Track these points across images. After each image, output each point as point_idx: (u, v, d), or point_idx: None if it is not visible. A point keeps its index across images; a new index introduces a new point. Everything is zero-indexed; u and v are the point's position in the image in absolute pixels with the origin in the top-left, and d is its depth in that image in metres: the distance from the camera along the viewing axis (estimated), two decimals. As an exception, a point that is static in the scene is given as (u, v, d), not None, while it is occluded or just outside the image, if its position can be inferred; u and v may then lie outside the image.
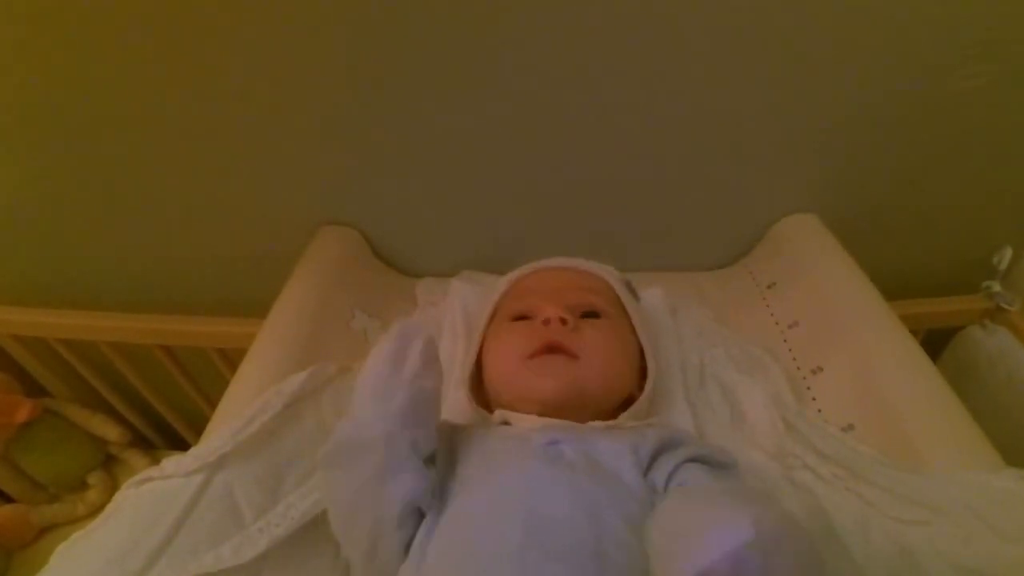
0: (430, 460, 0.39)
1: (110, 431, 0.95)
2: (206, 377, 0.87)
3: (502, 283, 0.56)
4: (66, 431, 0.95)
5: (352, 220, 0.75)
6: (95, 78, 0.63)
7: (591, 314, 0.48)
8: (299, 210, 0.75)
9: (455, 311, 0.62)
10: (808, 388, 0.55)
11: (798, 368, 0.57)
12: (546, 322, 0.45)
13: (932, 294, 0.75)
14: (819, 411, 0.53)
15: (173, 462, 0.43)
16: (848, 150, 0.66)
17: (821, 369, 0.55)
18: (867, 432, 0.49)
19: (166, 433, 1.03)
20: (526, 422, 0.43)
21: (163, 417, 0.99)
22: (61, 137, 0.70)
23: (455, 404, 0.53)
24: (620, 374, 0.47)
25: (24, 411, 0.88)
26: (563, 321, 0.45)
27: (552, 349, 0.44)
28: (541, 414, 0.43)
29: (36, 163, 0.73)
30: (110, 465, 0.98)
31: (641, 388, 0.49)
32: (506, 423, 0.45)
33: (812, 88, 0.61)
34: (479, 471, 0.39)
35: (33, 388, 0.95)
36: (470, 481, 0.38)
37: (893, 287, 0.59)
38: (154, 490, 0.42)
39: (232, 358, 0.79)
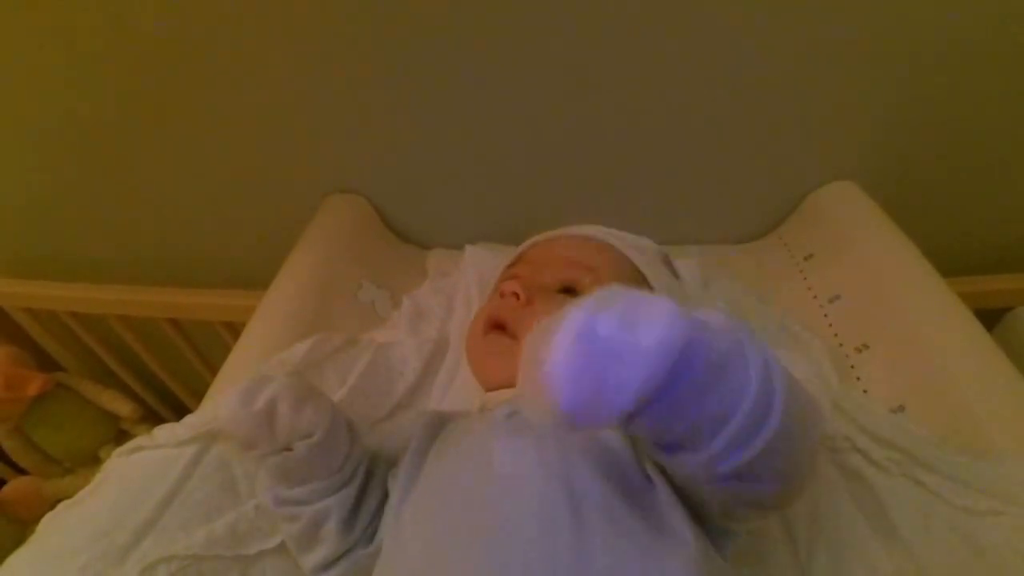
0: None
1: (122, 406, 0.95)
2: (214, 352, 0.86)
3: (519, 248, 0.52)
4: (79, 406, 0.95)
5: (361, 188, 0.72)
6: (104, 57, 0.62)
7: (569, 290, 0.43)
8: (308, 178, 0.72)
9: (470, 279, 0.59)
10: (852, 367, 0.51)
11: (840, 345, 0.52)
12: (501, 295, 0.43)
13: (977, 272, 0.70)
14: (865, 391, 0.48)
15: (166, 431, 0.40)
16: (891, 111, 0.61)
17: (867, 346, 0.51)
18: (920, 414, 0.44)
19: (177, 409, 1.03)
20: (500, 400, 0.40)
21: (174, 392, 0.98)
22: (73, 116, 0.69)
23: (468, 381, 0.50)
24: None
25: (36, 384, 0.88)
26: (516, 296, 0.42)
27: (497, 326, 0.42)
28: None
29: (48, 142, 0.72)
30: (122, 440, 0.97)
31: None
32: (485, 408, 0.42)
33: (851, 41, 0.55)
34: (440, 458, 0.37)
35: (46, 363, 0.95)
36: (431, 469, 0.37)
37: (935, 264, 0.54)
38: (145, 460, 0.39)
39: (239, 332, 0.78)
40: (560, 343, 0.21)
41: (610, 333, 0.21)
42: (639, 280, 0.47)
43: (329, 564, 0.36)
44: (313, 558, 0.36)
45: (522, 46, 0.58)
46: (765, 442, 0.24)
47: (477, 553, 0.29)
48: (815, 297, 0.58)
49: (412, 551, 0.32)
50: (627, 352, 0.21)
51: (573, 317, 0.22)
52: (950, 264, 0.57)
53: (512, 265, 0.50)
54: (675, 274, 0.51)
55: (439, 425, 0.41)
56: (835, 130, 0.63)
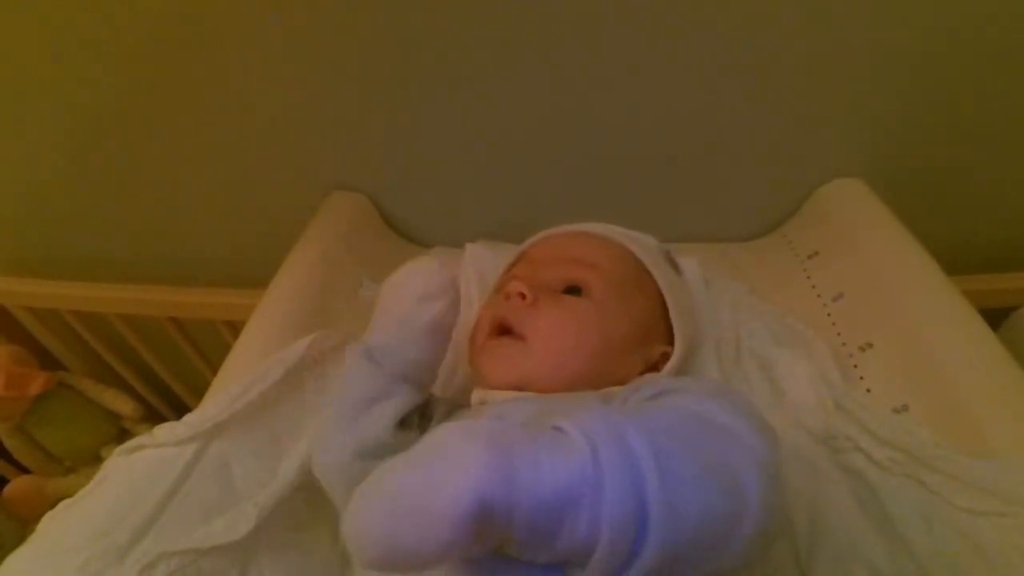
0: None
1: (123, 405, 0.95)
2: (215, 350, 0.86)
3: (520, 246, 0.52)
4: (80, 405, 0.95)
5: (362, 186, 0.72)
6: (105, 56, 0.62)
7: (573, 290, 0.43)
8: (308, 176, 0.72)
9: (469, 278, 0.59)
10: (855, 366, 0.50)
11: (844, 344, 0.52)
12: (507, 297, 0.42)
13: (983, 270, 0.69)
14: (868, 391, 0.48)
15: (166, 429, 0.40)
16: (898, 107, 0.60)
17: (870, 345, 0.50)
18: (923, 414, 0.44)
19: (178, 408, 1.03)
20: (501, 397, 0.40)
21: (175, 391, 0.98)
22: (74, 116, 0.69)
23: (468, 378, 0.49)
24: (583, 358, 0.41)
25: (38, 383, 0.88)
26: (522, 296, 0.41)
27: (503, 329, 0.42)
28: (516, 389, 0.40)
29: (49, 141, 0.72)
30: (124, 439, 0.96)
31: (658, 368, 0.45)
32: (484, 403, 0.42)
33: (858, 35, 0.55)
34: None
35: (48, 362, 0.95)
36: None
37: (941, 262, 0.54)
38: (145, 459, 0.39)
39: (240, 330, 0.78)
40: (359, 499, 0.21)
41: (403, 491, 0.20)
42: (643, 275, 0.47)
43: (365, 452, 0.36)
44: (351, 438, 0.37)
45: (524, 44, 0.58)
46: (652, 559, 0.21)
47: None
48: (819, 296, 0.57)
49: None
50: (417, 517, 0.20)
51: (377, 476, 0.21)
52: (955, 262, 0.57)
53: (514, 264, 0.50)
54: (678, 271, 0.51)
55: (445, 415, 0.41)
56: (841, 126, 0.62)
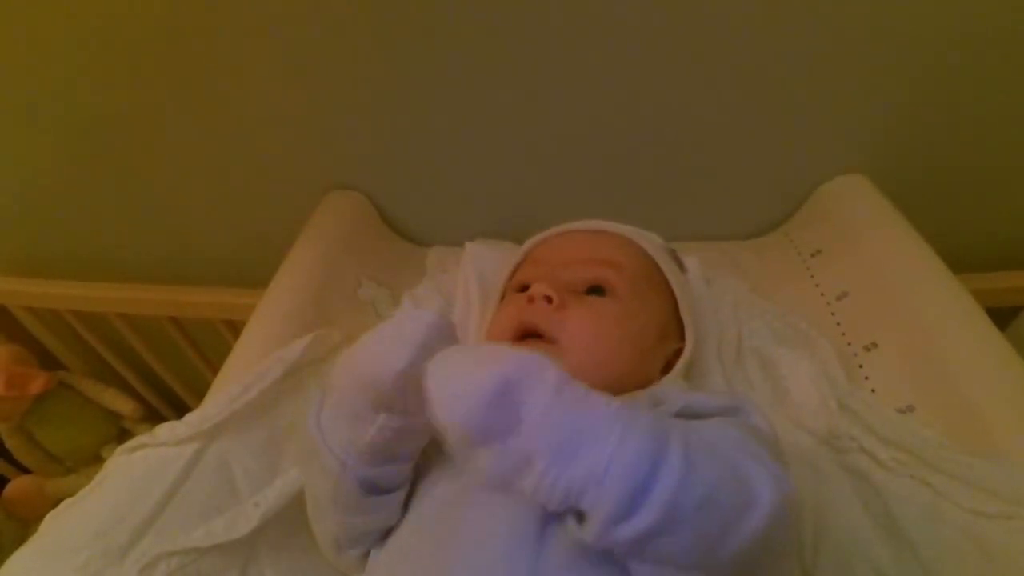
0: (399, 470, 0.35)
1: (123, 405, 0.95)
2: (215, 350, 0.86)
3: (524, 247, 0.51)
4: (80, 404, 0.95)
5: (361, 185, 0.71)
6: (104, 56, 0.62)
7: (596, 290, 0.42)
8: (307, 175, 0.72)
9: (469, 276, 0.58)
10: (860, 366, 0.50)
11: (848, 344, 0.52)
12: (531, 300, 0.41)
13: (990, 268, 0.69)
14: (872, 391, 0.48)
15: (166, 428, 0.40)
16: (902, 101, 0.59)
17: (875, 345, 0.50)
18: (929, 414, 0.43)
19: (178, 407, 1.03)
20: None
21: (175, 391, 0.98)
22: (73, 116, 0.69)
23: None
24: (616, 359, 0.40)
25: (38, 383, 0.88)
26: (548, 300, 0.40)
27: (529, 334, 0.40)
28: None
29: (48, 142, 0.72)
30: (124, 439, 0.97)
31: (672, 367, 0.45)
32: None
33: (860, 29, 0.54)
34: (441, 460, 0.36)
35: (48, 361, 0.95)
36: (432, 472, 0.36)
37: (947, 260, 0.53)
38: (146, 458, 0.39)
39: (240, 330, 0.78)
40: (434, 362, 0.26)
41: (468, 352, 0.27)
42: (656, 273, 0.46)
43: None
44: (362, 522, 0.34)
45: (522, 42, 0.57)
46: (654, 514, 0.22)
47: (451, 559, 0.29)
48: (822, 295, 0.57)
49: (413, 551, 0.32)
50: (466, 369, 0.25)
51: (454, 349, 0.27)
52: (962, 260, 0.56)
53: (521, 265, 0.49)
54: (682, 268, 0.51)
55: None
56: (844, 121, 0.62)
